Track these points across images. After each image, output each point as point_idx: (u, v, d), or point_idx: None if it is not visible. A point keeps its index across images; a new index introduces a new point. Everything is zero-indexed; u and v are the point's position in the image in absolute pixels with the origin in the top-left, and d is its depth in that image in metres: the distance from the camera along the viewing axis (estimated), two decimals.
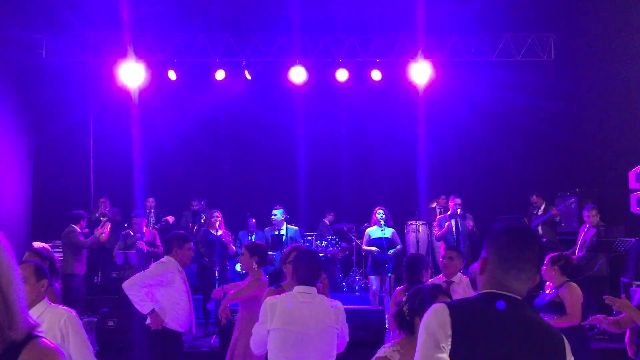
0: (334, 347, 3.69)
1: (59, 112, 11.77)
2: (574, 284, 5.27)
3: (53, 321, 3.24)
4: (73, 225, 9.11)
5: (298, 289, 3.72)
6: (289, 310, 3.60)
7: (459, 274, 5.32)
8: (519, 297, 2.06)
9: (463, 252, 8.30)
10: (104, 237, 9.06)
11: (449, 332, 1.96)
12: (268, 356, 3.68)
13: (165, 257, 5.11)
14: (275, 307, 3.63)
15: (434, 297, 2.93)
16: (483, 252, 2.17)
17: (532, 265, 2.09)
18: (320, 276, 3.91)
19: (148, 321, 4.96)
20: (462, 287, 5.22)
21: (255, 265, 4.89)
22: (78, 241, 8.98)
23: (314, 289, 3.72)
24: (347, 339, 3.81)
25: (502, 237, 2.14)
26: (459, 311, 2.02)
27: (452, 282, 5.22)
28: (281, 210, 9.98)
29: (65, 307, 3.43)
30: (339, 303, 3.78)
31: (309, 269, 3.76)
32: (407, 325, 2.95)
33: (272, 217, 9.91)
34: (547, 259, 5.28)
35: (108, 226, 9.14)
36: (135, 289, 4.86)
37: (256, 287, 4.74)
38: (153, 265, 5.05)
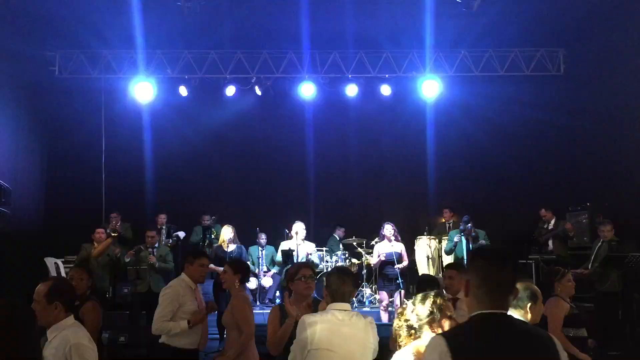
0: None
1: (71, 127, 11.90)
2: (558, 299, 5.28)
3: (59, 347, 3.25)
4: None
5: (334, 306, 3.65)
6: (330, 330, 3.53)
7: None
8: (505, 312, 2.26)
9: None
10: (95, 252, 9.00)
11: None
12: None
13: (182, 274, 5.12)
14: (316, 326, 3.54)
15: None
16: (466, 276, 2.37)
17: (509, 281, 2.29)
18: (354, 293, 3.86)
19: (162, 339, 4.96)
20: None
21: (237, 283, 4.88)
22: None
23: (349, 306, 3.69)
24: (377, 353, 3.76)
25: (479, 259, 2.34)
26: (455, 339, 2.20)
27: (457, 298, 5.20)
28: (301, 225, 10.07)
29: (80, 333, 3.38)
30: (371, 319, 3.73)
31: (345, 286, 3.70)
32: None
33: (292, 232, 9.97)
34: None
35: (104, 244, 9.06)
36: (162, 327, 4.86)
37: (242, 303, 4.77)
38: (162, 297, 4.96)
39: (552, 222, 10.53)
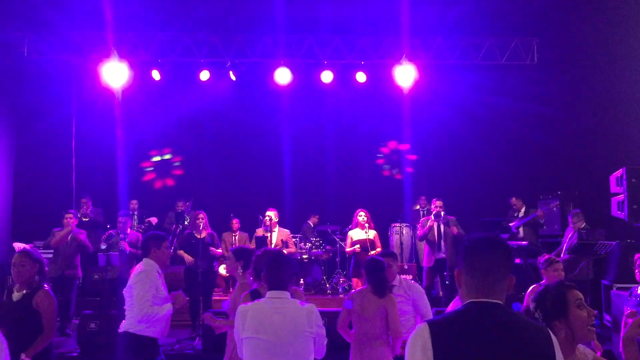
0: (309, 352, 3.60)
1: (41, 111, 11.64)
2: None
3: None
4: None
5: (270, 294, 3.63)
6: (260, 317, 3.53)
7: (398, 276, 5.35)
8: (499, 302, 2.14)
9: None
10: (53, 240, 8.84)
11: (430, 354, 2.06)
12: None
13: (144, 260, 4.96)
14: (247, 314, 3.56)
15: (563, 293, 2.86)
16: (458, 266, 2.28)
17: (503, 269, 2.19)
18: (293, 280, 3.78)
19: (123, 328, 4.83)
20: (403, 289, 5.27)
21: (240, 270, 4.85)
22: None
23: (287, 294, 3.63)
24: (325, 343, 3.72)
25: (471, 248, 2.24)
26: (440, 328, 2.11)
27: (393, 285, 5.24)
28: (274, 212, 10.00)
29: None
30: (312, 306, 3.67)
31: (281, 273, 3.65)
32: None
33: (266, 218, 9.90)
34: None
35: (64, 232, 8.90)
36: (149, 310, 4.69)
37: (245, 289, 4.70)
38: (138, 280, 4.84)
39: (522, 210, 10.69)
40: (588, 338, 2.79)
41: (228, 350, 4.68)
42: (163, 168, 12.57)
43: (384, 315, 4.74)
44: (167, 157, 10.75)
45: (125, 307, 4.88)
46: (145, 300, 4.70)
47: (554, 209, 10.33)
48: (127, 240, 9.03)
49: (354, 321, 4.92)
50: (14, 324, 4.49)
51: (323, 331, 3.67)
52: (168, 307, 4.83)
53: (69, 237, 8.82)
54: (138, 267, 4.92)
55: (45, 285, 4.70)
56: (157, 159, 11.10)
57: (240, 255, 4.91)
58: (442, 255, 9.40)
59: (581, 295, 2.90)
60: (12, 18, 10.43)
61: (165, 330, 4.96)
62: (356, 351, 4.84)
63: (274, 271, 3.67)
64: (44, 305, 4.57)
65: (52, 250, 8.91)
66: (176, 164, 12.68)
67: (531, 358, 2.06)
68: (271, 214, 9.94)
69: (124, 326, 4.82)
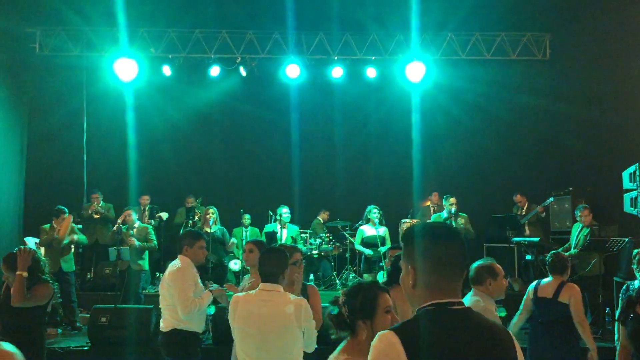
0: (295, 346, 3.64)
1: (52, 106, 11.71)
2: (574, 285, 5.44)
3: None
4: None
5: (261, 286, 3.69)
6: (249, 309, 3.61)
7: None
8: (461, 301, 1.95)
9: None
10: (60, 233, 8.88)
11: None
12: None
13: (179, 256, 4.99)
14: (237, 305, 3.66)
15: (375, 295, 2.76)
16: (407, 265, 2.01)
17: (462, 260, 1.98)
18: (284, 273, 3.77)
19: (167, 327, 4.86)
20: None
21: None
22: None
23: (279, 287, 3.67)
24: (315, 337, 3.75)
25: (425, 240, 1.98)
26: (409, 336, 1.84)
27: None
28: (288, 209, 10.10)
29: None
30: (301, 300, 3.70)
31: (272, 267, 3.71)
32: (348, 326, 2.74)
33: (283, 215, 9.96)
34: None
35: (66, 224, 8.94)
36: (192, 306, 4.73)
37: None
38: (176, 278, 4.81)
39: (526, 207, 10.66)
40: None
41: None
42: None
43: None
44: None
45: (162, 306, 4.95)
46: (187, 297, 4.74)
47: (566, 205, 10.28)
48: (134, 233, 9.06)
49: None
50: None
51: (313, 325, 3.71)
52: (207, 295, 4.88)
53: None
54: (173, 265, 4.95)
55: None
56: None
57: (260, 247, 4.93)
58: None
59: (391, 302, 2.81)
60: (25, 13, 10.48)
61: (203, 324, 5.04)
62: None
63: (265, 264, 3.73)
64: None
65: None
66: None
67: (501, 356, 1.92)
68: (282, 211, 10.03)
69: (168, 324, 4.87)
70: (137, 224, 9.30)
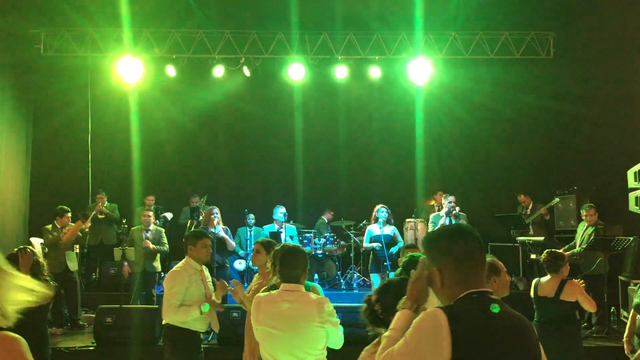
0: (319, 345, 3.64)
1: (57, 107, 11.74)
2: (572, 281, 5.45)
3: None
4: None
5: (283, 286, 3.70)
6: (272, 309, 3.62)
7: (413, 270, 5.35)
8: (491, 291, 2.09)
9: None
10: (64, 239, 8.90)
11: (449, 341, 1.92)
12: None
13: (186, 257, 5.01)
14: (260, 305, 3.67)
15: (404, 291, 2.78)
16: (432, 269, 2.12)
17: (482, 255, 2.12)
18: (306, 273, 3.80)
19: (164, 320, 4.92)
20: None
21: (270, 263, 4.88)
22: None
23: (300, 287, 3.70)
24: (341, 333, 3.75)
25: (442, 241, 2.13)
26: (455, 315, 1.96)
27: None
28: (284, 209, 10.10)
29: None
30: (323, 299, 3.73)
31: (294, 267, 3.72)
32: (383, 323, 2.77)
33: (280, 215, 9.98)
34: None
35: (74, 228, 8.96)
36: (174, 318, 4.76)
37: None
38: (166, 281, 4.87)
39: (530, 207, 10.64)
40: None
41: (247, 342, 4.71)
42: None
43: None
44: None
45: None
46: (169, 304, 4.77)
47: (570, 204, 10.27)
48: (149, 236, 9.12)
49: None
50: None
51: (337, 322, 3.70)
52: (195, 314, 4.82)
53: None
54: (174, 266, 5.01)
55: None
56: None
57: (271, 248, 4.93)
58: None
59: None
60: (29, 14, 10.51)
61: (204, 325, 5.03)
62: None
63: (286, 265, 3.74)
64: None
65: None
66: None
67: (533, 346, 2.07)
68: (282, 211, 10.08)
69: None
70: (151, 226, 9.34)
